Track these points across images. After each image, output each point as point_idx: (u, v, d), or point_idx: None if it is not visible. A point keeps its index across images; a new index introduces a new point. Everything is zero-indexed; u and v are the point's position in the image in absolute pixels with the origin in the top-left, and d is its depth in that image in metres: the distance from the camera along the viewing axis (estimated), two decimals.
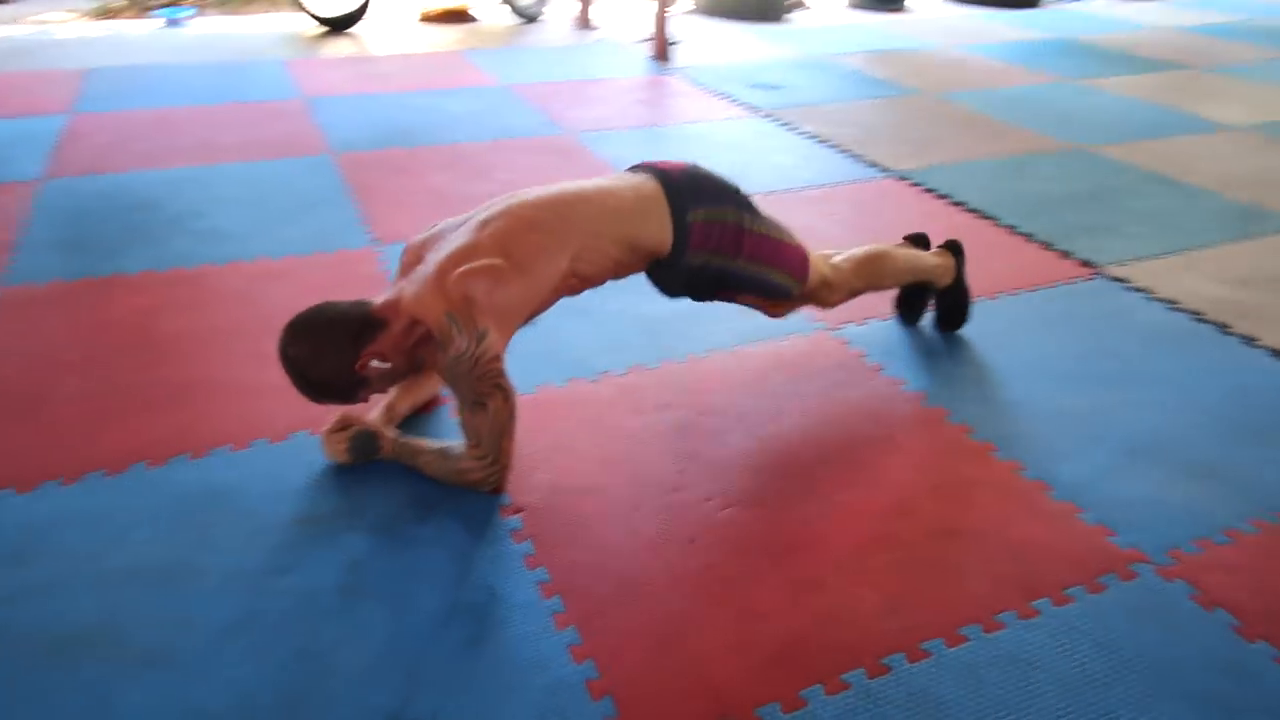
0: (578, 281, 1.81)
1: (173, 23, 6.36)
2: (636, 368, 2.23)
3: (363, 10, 6.12)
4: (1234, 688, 1.39)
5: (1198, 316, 2.54)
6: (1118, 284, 2.73)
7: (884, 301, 2.56)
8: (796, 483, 1.84)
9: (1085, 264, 2.85)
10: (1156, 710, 1.35)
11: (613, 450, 1.93)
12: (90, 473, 1.82)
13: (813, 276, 2.02)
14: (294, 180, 3.39)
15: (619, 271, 1.86)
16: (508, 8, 6.56)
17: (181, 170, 3.46)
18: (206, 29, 6.26)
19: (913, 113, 4.52)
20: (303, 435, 1.94)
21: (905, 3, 7.44)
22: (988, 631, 1.49)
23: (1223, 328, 2.48)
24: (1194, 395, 2.16)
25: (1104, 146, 4.03)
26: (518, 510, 1.74)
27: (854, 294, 2.16)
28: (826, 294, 2.10)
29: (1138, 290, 2.69)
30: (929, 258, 2.31)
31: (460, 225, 1.79)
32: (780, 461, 1.91)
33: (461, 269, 1.66)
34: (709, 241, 1.87)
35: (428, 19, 6.64)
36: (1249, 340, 2.42)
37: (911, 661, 1.43)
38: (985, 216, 3.19)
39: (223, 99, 4.43)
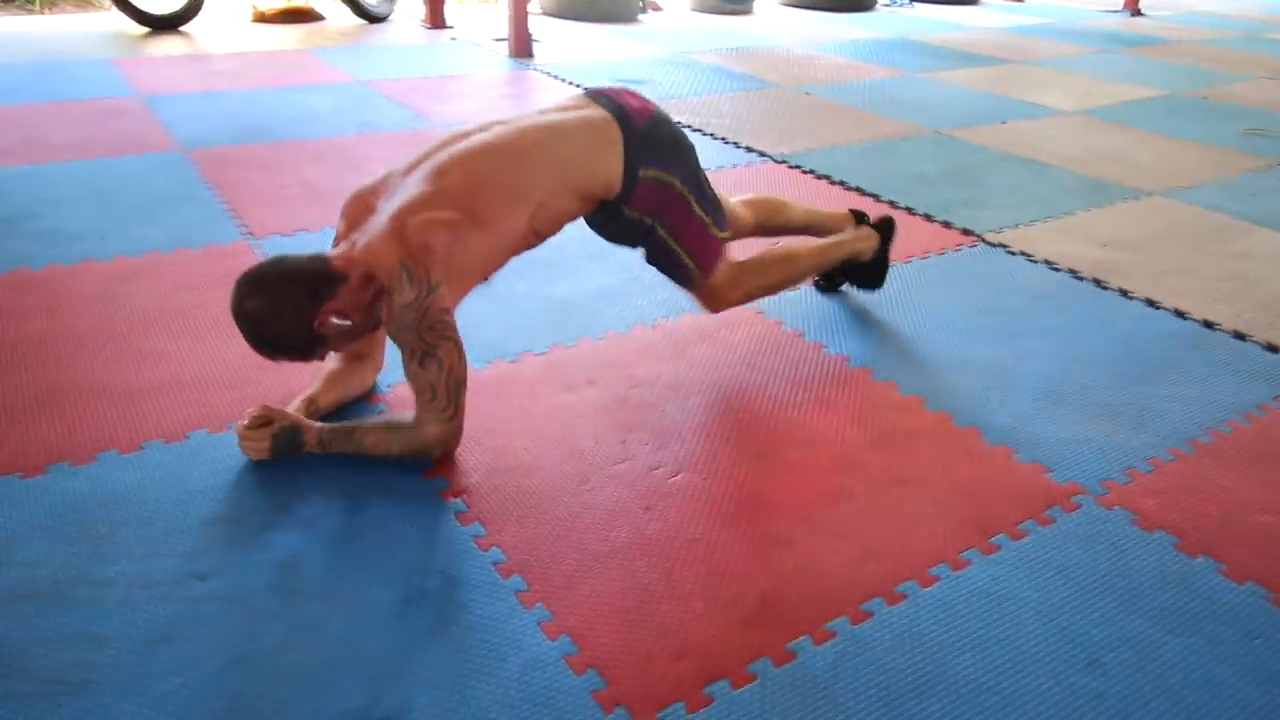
0: (535, 238, 1.75)
1: None
2: (556, 347, 2.14)
3: (193, 8, 5.71)
4: (1189, 600, 1.45)
5: (1075, 274, 2.69)
6: (999, 249, 2.86)
7: None
8: (740, 446, 1.80)
9: (966, 232, 2.97)
10: (1126, 627, 1.39)
11: (547, 428, 1.83)
12: None
13: (714, 275, 2.00)
14: (143, 177, 3.10)
15: (568, 221, 1.81)
16: (348, 8, 6.29)
17: (6, 170, 3.10)
18: (11, 27, 5.68)
19: (776, 103, 4.63)
20: (202, 434, 1.75)
21: (752, 5, 7.65)
22: (955, 569, 1.50)
23: (1099, 283, 2.63)
24: (1088, 344, 2.27)
25: (956, 131, 4.25)
26: (459, 493, 1.63)
27: (750, 295, 2.12)
28: (725, 293, 2.05)
29: (1017, 254, 2.82)
30: (853, 232, 2.35)
31: (412, 170, 1.69)
32: (720, 427, 1.86)
33: (422, 217, 1.57)
34: (650, 203, 1.83)
35: (262, 19, 6.28)
36: (1124, 293, 2.57)
37: (890, 604, 1.42)
38: (867, 193, 3.28)
39: (44, 98, 4.02)
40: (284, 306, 1.53)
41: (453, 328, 1.59)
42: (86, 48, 5.10)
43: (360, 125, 3.85)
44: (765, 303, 2.40)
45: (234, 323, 1.56)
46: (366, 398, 1.90)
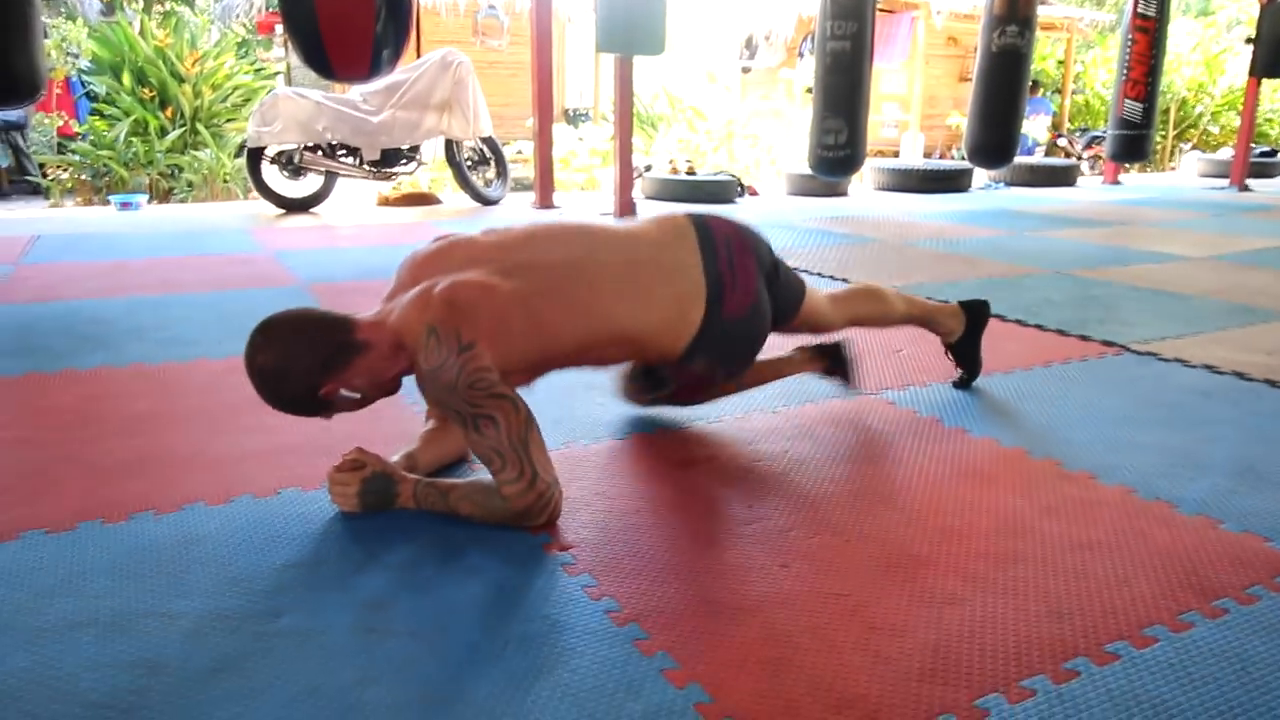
0: (593, 356, 1.67)
1: (125, 206, 6.30)
2: (663, 429, 1.98)
3: (325, 192, 6.15)
4: None
5: (1242, 376, 2.41)
6: (1149, 356, 2.61)
7: (926, 369, 2.38)
8: (885, 513, 1.57)
9: (1107, 343, 2.74)
10: None
11: (663, 493, 1.64)
12: (27, 531, 1.46)
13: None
14: (263, 303, 3.17)
15: (616, 360, 1.77)
16: (465, 192, 6.68)
17: (138, 297, 3.22)
18: (161, 213, 6.21)
19: (881, 252, 4.57)
20: (294, 491, 1.62)
21: (848, 187, 7.84)
22: (1176, 630, 1.21)
23: (1273, 384, 2.35)
24: (1275, 432, 1.98)
25: (1080, 271, 4.08)
26: (565, 547, 1.43)
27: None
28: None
29: (1170, 360, 2.57)
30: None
31: (475, 248, 1.59)
32: (859, 497, 1.64)
33: (451, 279, 1.47)
34: (679, 380, 1.82)
35: (386, 202, 6.71)
36: None
37: (1100, 664, 1.13)
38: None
39: (183, 252, 4.27)
40: (292, 370, 1.44)
41: (499, 385, 1.44)
42: (227, 222, 5.49)
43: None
44: (896, 394, 2.21)
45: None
46: (467, 462, 1.75)
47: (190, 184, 8.06)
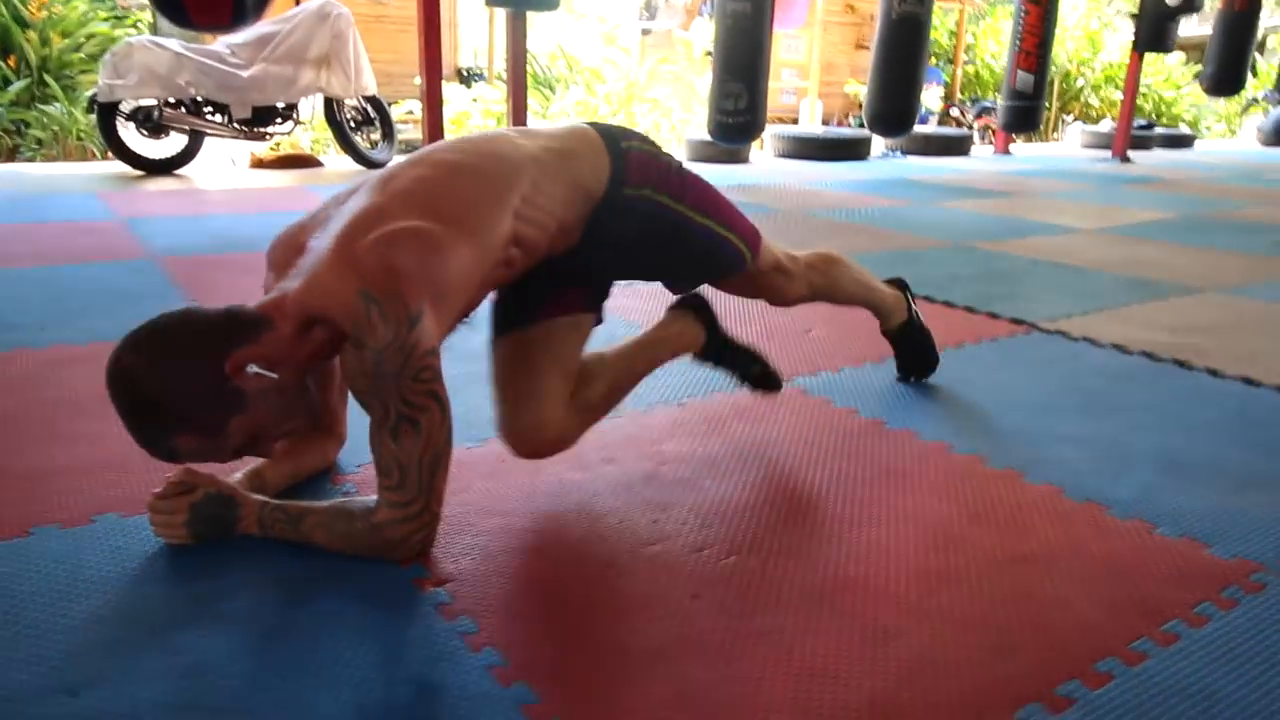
0: (518, 253, 1.34)
1: None
2: None
3: (190, 152, 5.65)
4: None
5: (1151, 356, 2.36)
6: (1058, 335, 2.54)
7: (838, 353, 2.24)
8: (804, 525, 1.41)
9: (1016, 321, 2.67)
10: None
11: (556, 507, 1.44)
12: None
13: (765, 254, 1.66)
14: (103, 279, 2.81)
15: (557, 238, 1.39)
16: (348, 154, 6.25)
17: None
18: (4, 172, 5.59)
19: (786, 223, 4.45)
20: (111, 518, 1.35)
21: (749, 154, 7.71)
22: (1131, 664, 1.08)
23: (1182, 364, 2.30)
24: (1198, 417, 1.92)
25: (979, 243, 4.04)
26: (440, 582, 1.22)
27: (812, 292, 1.78)
28: (783, 281, 1.71)
29: (1078, 339, 2.50)
30: (883, 285, 2.01)
31: (350, 195, 1.34)
32: (776, 505, 1.48)
33: (376, 233, 1.20)
34: (649, 173, 1.45)
35: (260, 164, 6.24)
36: (1214, 373, 2.24)
37: (1054, 712, 0.99)
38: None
39: (17, 219, 3.80)
40: (180, 354, 1.15)
41: (439, 380, 1.20)
42: (77, 185, 4.96)
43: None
44: (808, 381, 2.06)
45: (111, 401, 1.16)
46: (330, 479, 1.51)
47: (40, 141, 7.35)
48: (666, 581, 1.24)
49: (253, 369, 1.18)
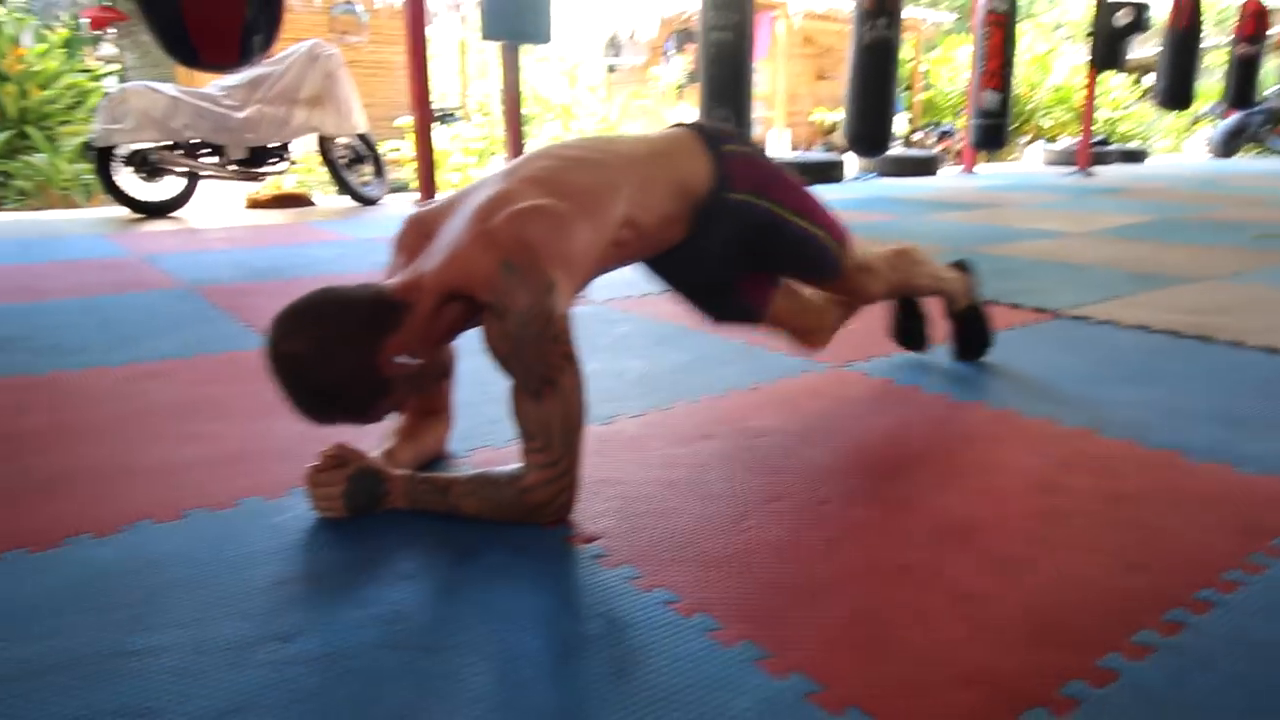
0: (631, 235, 1.45)
1: None
2: (651, 410, 1.85)
3: (185, 195, 5.67)
4: None
5: (1176, 334, 2.49)
6: (1081, 320, 2.67)
7: (884, 340, 2.35)
8: (909, 480, 1.50)
9: (1039, 310, 2.80)
10: None
11: (671, 475, 1.51)
12: None
13: (852, 253, 1.76)
14: (149, 307, 2.84)
15: (665, 228, 1.52)
16: (342, 191, 6.31)
17: (1, 306, 2.83)
18: None
19: None
20: (255, 501, 1.40)
21: None
22: (1251, 573, 1.17)
23: (1205, 339, 2.43)
24: (1233, 383, 2.04)
25: (978, 248, 4.19)
26: (591, 539, 1.28)
27: (890, 289, 1.90)
28: (867, 279, 1.82)
29: (1103, 323, 2.63)
30: (951, 270, 2.13)
31: (477, 187, 1.42)
32: (876, 465, 1.56)
33: (508, 210, 1.28)
34: (750, 175, 1.57)
35: (256, 204, 6.27)
36: (1237, 344, 2.37)
37: (1198, 613, 1.08)
38: None
39: (35, 259, 3.81)
40: (336, 344, 1.22)
41: (573, 343, 1.28)
42: (77, 229, 4.97)
43: (375, 265, 3.67)
44: (864, 366, 2.15)
45: (273, 382, 1.24)
46: (445, 460, 1.57)
47: (23, 192, 7.32)
48: (801, 529, 1.31)
49: (400, 359, 1.25)
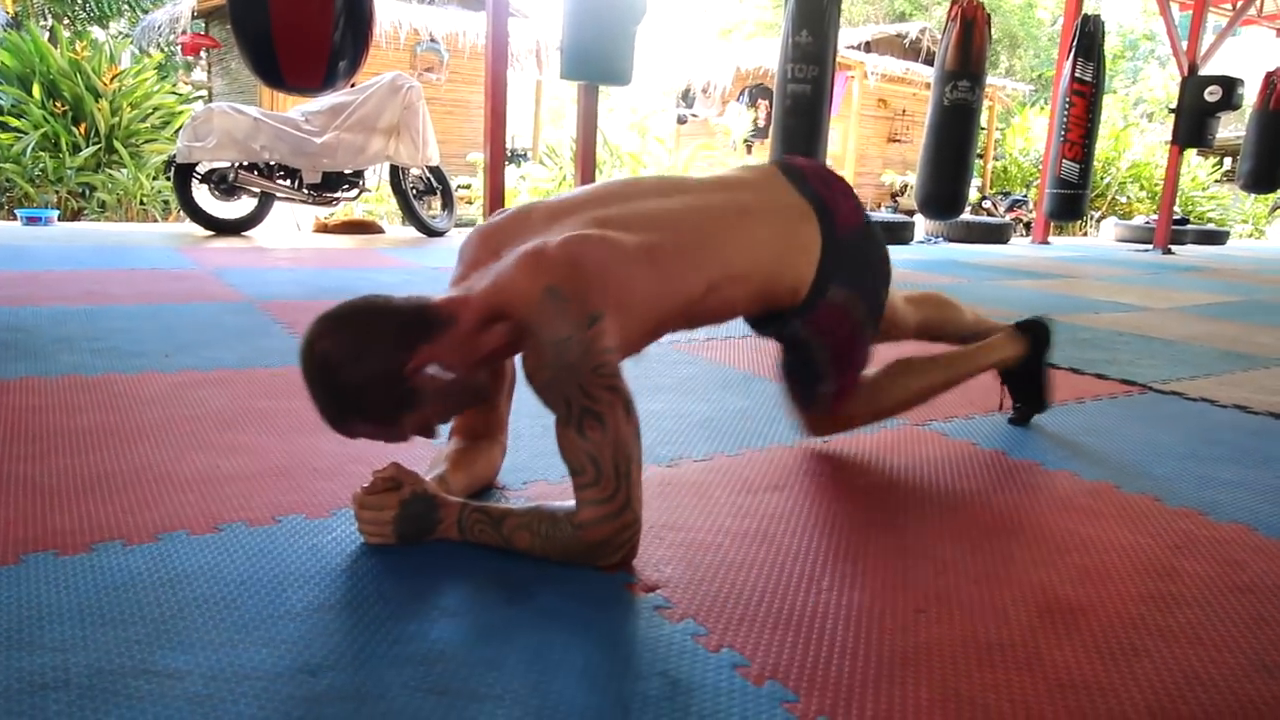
0: (701, 312, 1.40)
1: (32, 221, 5.79)
2: (717, 455, 1.74)
3: (258, 215, 5.77)
4: None
5: (1277, 416, 2.31)
6: (1174, 395, 2.50)
7: (958, 402, 2.22)
8: (1004, 550, 1.36)
9: (1128, 382, 2.63)
10: None
11: (740, 525, 1.40)
12: None
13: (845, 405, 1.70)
14: (210, 318, 2.83)
15: (731, 317, 1.50)
16: (410, 222, 6.36)
17: (62, 307, 2.84)
18: (74, 229, 5.71)
19: None
20: (297, 519, 1.32)
21: None
22: None
23: None
24: None
25: (1058, 316, 4.01)
26: (652, 587, 1.18)
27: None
28: (820, 427, 1.80)
29: (1197, 400, 2.46)
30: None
31: (559, 207, 1.35)
32: (966, 531, 1.43)
33: (566, 235, 1.21)
34: (825, 325, 1.52)
35: (324, 229, 6.35)
36: None
37: None
38: None
39: (107, 266, 3.86)
40: (368, 345, 1.15)
41: (620, 376, 1.19)
42: (151, 240, 5.06)
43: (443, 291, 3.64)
44: (948, 425, 2.02)
45: (303, 378, 1.18)
46: (497, 490, 1.48)
47: (103, 204, 7.53)
48: (883, 595, 1.19)
49: (431, 369, 1.17)
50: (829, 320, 1.51)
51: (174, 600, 1.07)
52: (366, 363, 1.14)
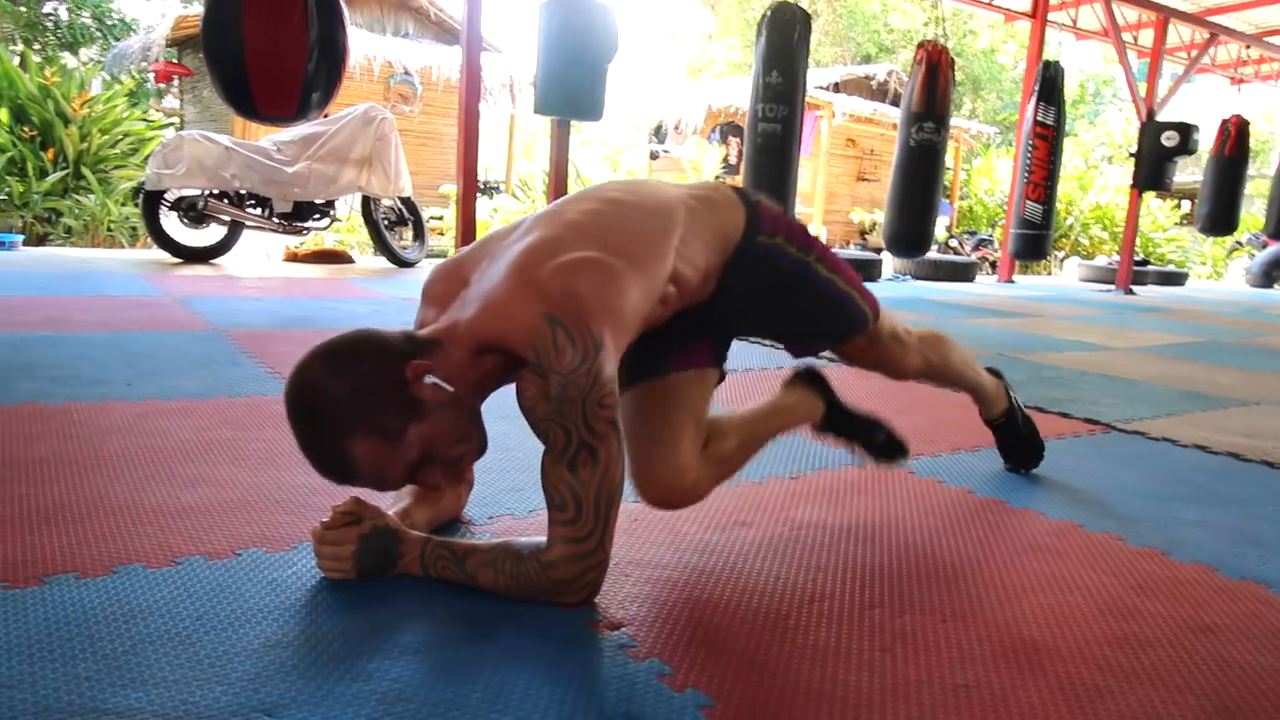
0: (673, 292, 1.34)
1: None
2: None
3: (227, 243, 5.72)
4: None
5: (1238, 457, 2.35)
6: (1137, 435, 2.54)
7: (931, 439, 2.23)
8: (968, 589, 1.37)
9: (1091, 421, 2.67)
10: None
11: (706, 563, 1.40)
12: None
13: (885, 320, 1.65)
14: (175, 346, 2.79)
15: (702, 282, 1.39)
16: (381, 252, 6.34)
17: (22, 334, 2.79)
18: (40, 253, 5.63)
19: None
20: (258, 553, 1.30)
21: None
22: None
23: (1273, 465, 2.29)
24: None
25: (1019, 354, 4.08)
26: (616, 626, 1.16)
27: (925, 366, 1.78)
28: (900, 351, 1.69)
29: (1159, 440, 2.50)
30: (985, 373, 2.02)
31: (515, 230, 1.34)
32: (930, 570, 1.43)
33: (557, 260, 1.19)
34: (779, 224, 1.46)
35: (294, 258, 6.31)
36: None
37: None
38: None
39: (72, 292, 3.80)
40: (363, 358, 1.13)
41: (618, 410, 1.18)
42: (117, 267, 5.00)
43: (407, 323, 3.61)
44: (915, 463, 2.03)
45: (287, 419, 1.13)
46: (463, 524, 1.46)
47: (69, 230, 7.44)
48: (848, 634, 1.19)
49: (430, 379, 1.15)
50: (777, 218, 1.46)
51: (127, 636, 1.04)
52: (363, 370, 1.11)
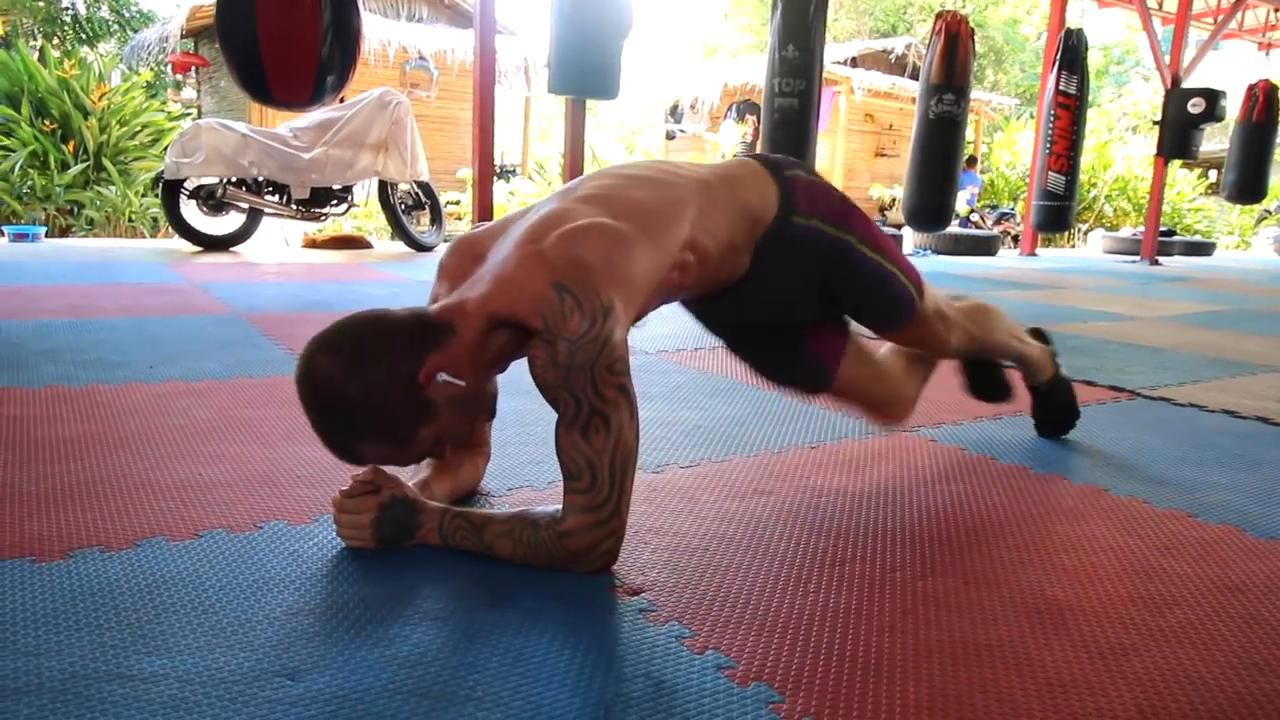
0: (693, 260, 1.33)
1: (19, 238, 5.76)
2: (704, 461, 1.73)
3: (246, 231, 5.76)
4: None
5: (1267, 421, 2.32)
6: (1163, 401, 2.51)
7: (949, 408, 2.21)
8: (991, 552, 1.36)
9: (1116, 388, 2.64)
10: None
11: (727, 530, 1.39)
12: None
13: (929, 298, 1.64)
14: (196, 330, 2.81)
15: (728, 256, 1.39)
16: (399, 237, 6.35)
17: (48, 320, 2.82)
18: (63, 245, 5.69)
19: None
20: (279, 525, 1.31)
21: None
22: None
23: None
24: None
25: (1046, 326, 4.02)
26: (635, 591, 1.16)
27: (968, 343, 1.77)
28: (943, 329, 1.68)
29: (1184, 405, 2.47)
30: (1032, 340, 2.00)
31: (531, 209, 1.34)
32: (951, 534, 1.42)
33: (563, 229, 1.19)
34: (817, 201, 1.44)
35: (313, 244, 6.34)
36: None
37: None
38: None
39: (94, 280, 3.84)
40: (375, 358, 1.12)
41: (629, 375, 1.18)
42: (138, 256, 5.04)
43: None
44: (931, 431, 2.02)
45: (305, 409, 1.14)
46: (481, 496, 1.47)
47: (91, 221, 7.51)
48: (869, 597, 1.18)
49: (442, 377, 1.15)
50: (813, 194, 1.44)
51: (151, 606, 1.05)
52: (376, 376, 1.11)
